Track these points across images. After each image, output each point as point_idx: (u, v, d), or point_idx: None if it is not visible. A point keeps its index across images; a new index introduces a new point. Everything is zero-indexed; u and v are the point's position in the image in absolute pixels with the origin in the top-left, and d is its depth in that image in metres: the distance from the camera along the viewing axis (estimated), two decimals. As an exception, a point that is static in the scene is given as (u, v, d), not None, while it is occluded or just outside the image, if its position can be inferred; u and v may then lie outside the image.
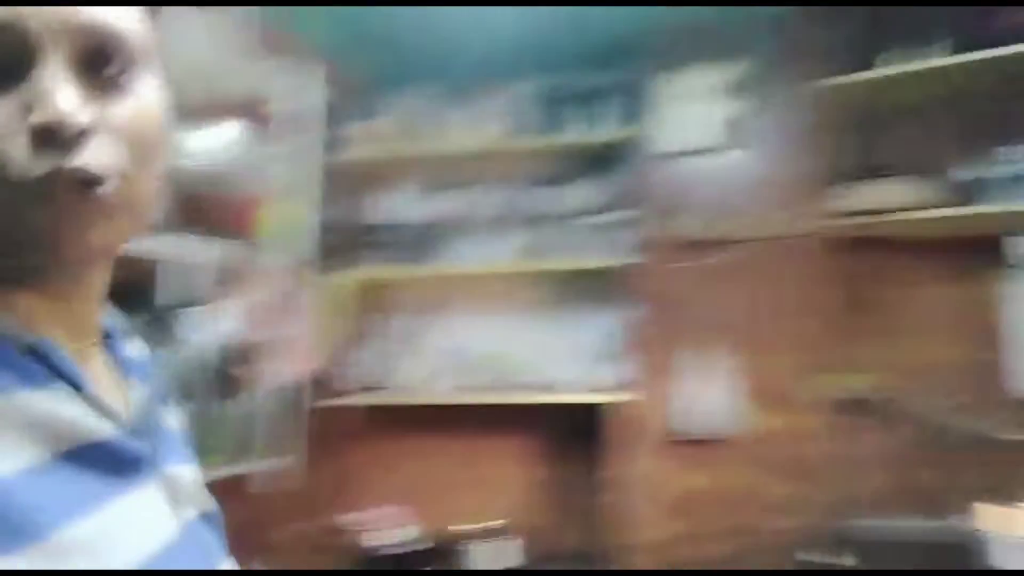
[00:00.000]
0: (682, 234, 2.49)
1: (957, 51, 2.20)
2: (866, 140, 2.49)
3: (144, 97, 0.52)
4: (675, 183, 2.55)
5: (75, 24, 0.48)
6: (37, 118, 0.45)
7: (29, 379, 0.48)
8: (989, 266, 2.28)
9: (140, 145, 0.51)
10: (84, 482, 0.48)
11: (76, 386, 0.51)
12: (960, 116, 2.38)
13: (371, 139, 2.81)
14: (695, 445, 2.43)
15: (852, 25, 2.44)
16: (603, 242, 2.68)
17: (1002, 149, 2.16)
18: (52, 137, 0.45)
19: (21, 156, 0.45)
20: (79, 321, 0.56)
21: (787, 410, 2.36)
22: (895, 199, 2.25)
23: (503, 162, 2.81)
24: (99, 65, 0.49)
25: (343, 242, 2.76)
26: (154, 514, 0.54)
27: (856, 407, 2.38)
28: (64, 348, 0.52)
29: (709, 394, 2.42)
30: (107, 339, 0.61)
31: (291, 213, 2.35)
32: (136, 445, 0.54)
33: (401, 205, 2.94)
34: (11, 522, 0.42)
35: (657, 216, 2.54)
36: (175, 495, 0.57)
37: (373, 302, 3.00)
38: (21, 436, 0.45)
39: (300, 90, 2.43)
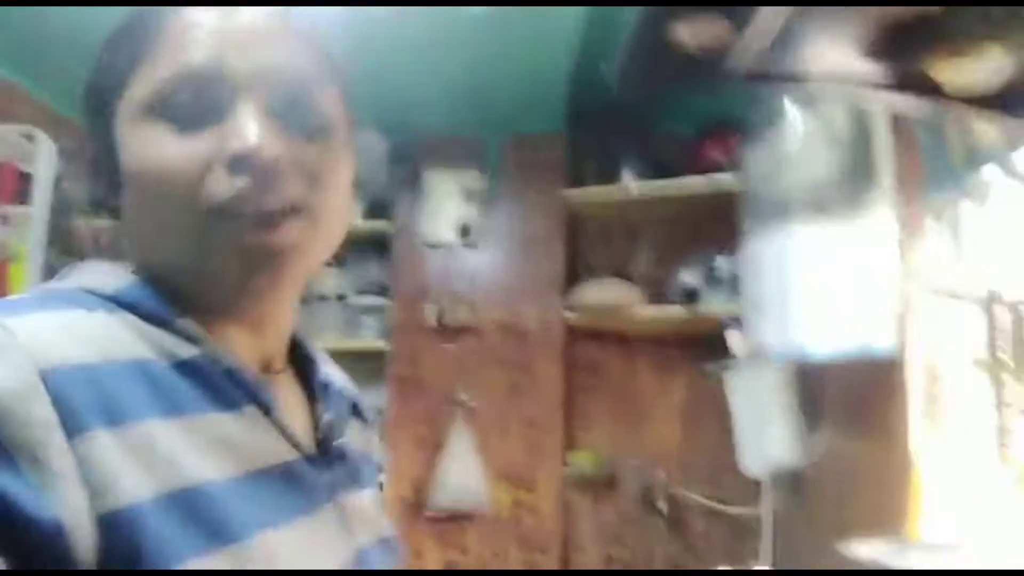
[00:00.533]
0: (432, 320, 2.59)
1: (673, 176, 2.53)
2: (598, 245, 2.76)
3: (329, 143, 0.56)
4: (429, 272, 2.66)
5: (268, 69, 0.53)
6: (233, 147, 0.50)
7: (225, 401, 0.52)
8: (713, 358, 2.57)
9: (324, 186, 0.54)
10: (273, 499, 0.51)
11: (266, 409, 0.54)
12: (683, 228, 2.70)
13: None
14: (449, 520, 2.55)
15: (583, 147, 2.70)
16: (367, 323, 2.74)
17: (719, 257, 2.44)
18: (246, 165, 0.50)
19: (218, 182, 0.50)
20: (271, 347, 0.60)
21: (527, 487, 2.55)
22: (628, 298, 2.47)
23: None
24: (291, 111, 0.53)
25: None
26: (325, 542, 0.55)
27: (593, 484, 2.61)
28: (256, 372, 0.56)
29: (459, 472, 2.54)
30: (307, 363, 0.65)
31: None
32: (313, 472, 0.56)
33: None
34: (214, 524, 0.46)
35: (412, 302, 2.63)
36: (350, 524, 0.59)
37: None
38: (216, 452, 0.49)
39: (32, 154, 2.27)
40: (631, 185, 2.54)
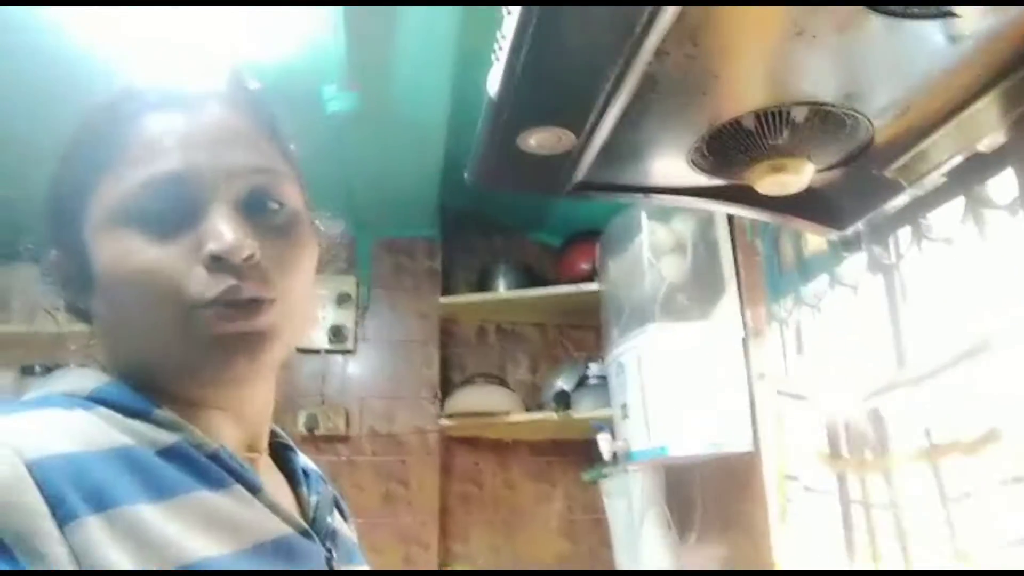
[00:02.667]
0: (303, 428, 2.51)
1: (543, 283, 2.63)
2: (472, 351, 2.79)
3: (296, 233, 0.58)
4: (300, 378, 2.59)
5: (237, 169, 0.55)
6: (211, 248, 0.52)
7: (212, 481, 0.52)
8: (589, 464, 2.59)
9: (293, 274, 0.57)
10: (277, 570, 0.53)
11: (253, 489, 0.55)
12: (555, 334, 2.80)
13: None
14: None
15: (456, 253, 2.78)
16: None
17: (591, 364, 2.50)
18: (223, 264, 0.52)
19: (199, 282, 0.52)
20: (252, 431, 0.61)
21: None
22: (504, 403, 2.48)
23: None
24: (259, 206, 0.56)
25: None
26: None
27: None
28: (241, 455, 0.57)
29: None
30: (283, 449, 0.67)
31: None
32: (310, 547, 0.58)
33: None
34: None
35: (282, 410, 2.54)
36: None
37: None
38: (212, 529, 0.49)
39: None
40: (503, 291, 2.60)
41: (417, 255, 2.76)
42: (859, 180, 1.07)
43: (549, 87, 0.84)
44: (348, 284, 2.66)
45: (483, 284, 2.69)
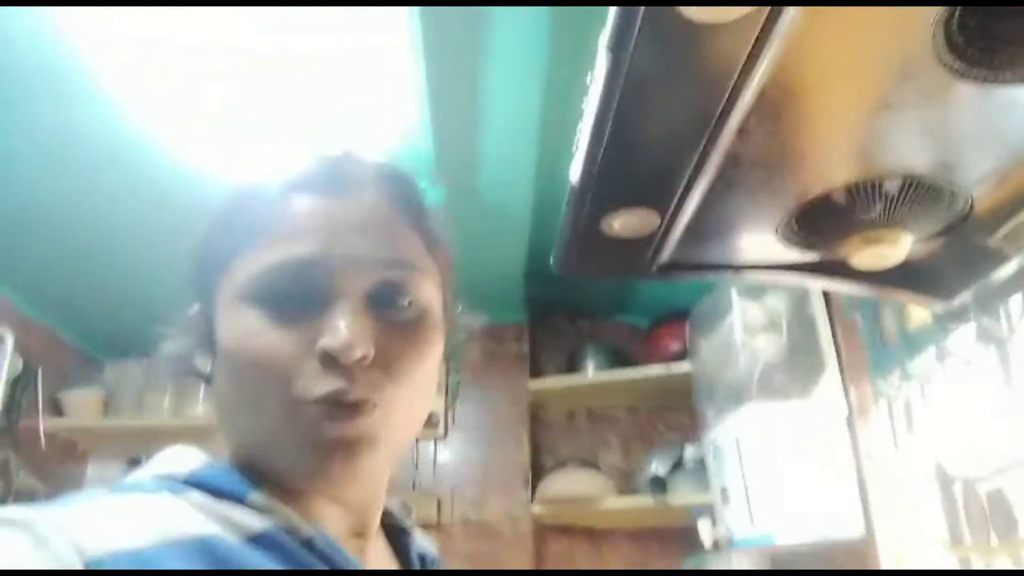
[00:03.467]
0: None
1: (632, 364, 2.59)
2: (563, 437, 2.75)
3: (422, 331, 0.56)
4: (395, 465, 2.59)
5: (371, 262, 0.54)
6: (325, 344, 0.50)
7: (304, 568, 0.49)
8: (687, 551, 2.49)
9: (410, 375, 0.54)
10: None
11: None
12: (647, 416, 2.74)
13: (76, 408, 2.59)
14: None
15: (544, 338, 2.78)
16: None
17: (687, 446, 2.43)
18: (334, 363, 0.50)
19: (309, 377, 0.50)
20: (360, 516, 0.58)
21: None
22: (597, 488, 2.42)
23: (204, 438, 2.69)
24: (388, 301, 0.54)
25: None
26: None
27: None
28: (346, 542, 0.54)
29: None
30: (399, 533, 0.65)
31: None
32: None
33: (104, 478, 2.69)
34: None
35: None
36: None
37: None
38: None
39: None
40: (592, 374, 2.58)
41: (505, 340, 2.77)
42: (961, 250, 1.03)
43: (630, 170, 0.85)
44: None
45: (571, 367, 2.67)
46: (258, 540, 0.48)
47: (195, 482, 0.51)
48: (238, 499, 0.51)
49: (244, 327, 0.53)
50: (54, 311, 2.54)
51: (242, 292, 0.53)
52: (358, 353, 0.50)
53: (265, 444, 0.53)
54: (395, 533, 0.65)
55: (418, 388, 0.56)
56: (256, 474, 0.53)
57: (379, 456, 0.53)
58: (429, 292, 0.58)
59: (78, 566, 0.40)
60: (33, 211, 1.94)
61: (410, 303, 0.55)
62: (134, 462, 2.69)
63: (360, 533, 0.59)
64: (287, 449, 0.51)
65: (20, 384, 2.34)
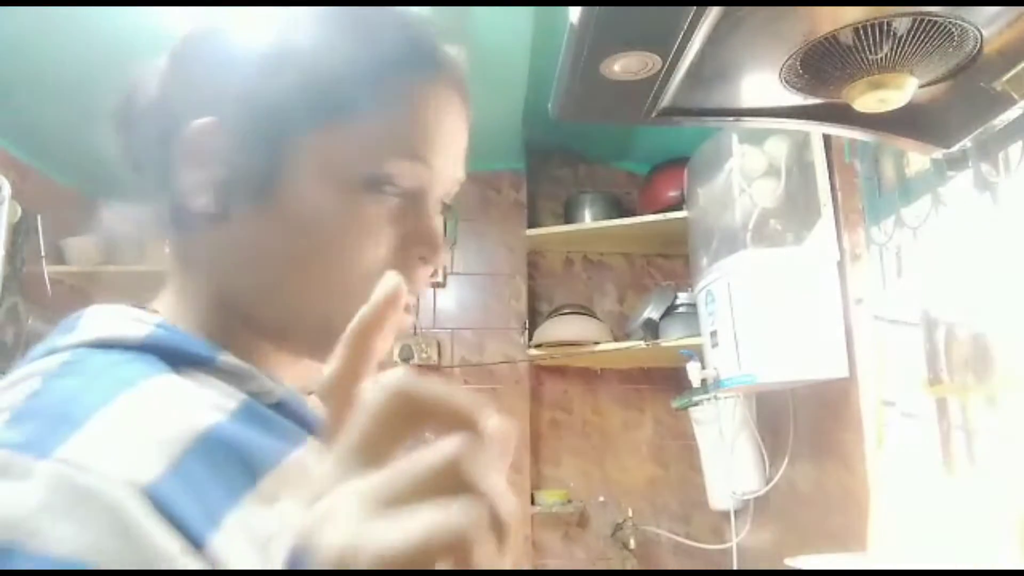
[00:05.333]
0: (398, 360, 2.60)
1: (630, 213, 2.61)
2: (559, 284, 2.80)
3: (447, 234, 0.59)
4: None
5: (455, 181, 0.57)
6: (424, 253, 0.54)
7: (283, 436, 0.47)
8: (678, 392, 2.60)
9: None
10: None
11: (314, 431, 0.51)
12: (643, 263, 2.79)
13: (77, 255, 2.62)
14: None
15: (542, 185, 2.78)
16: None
17: (680, 293, 2.48)
18: (423, 267, 0.54)
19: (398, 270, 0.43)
20: (307, 376, 0.57)
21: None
22: (592, 333, 2.50)
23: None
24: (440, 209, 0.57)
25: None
26: None
27: (562, 522, 2.60)
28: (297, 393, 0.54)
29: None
30: None
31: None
32: None
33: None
34: None
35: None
36: None
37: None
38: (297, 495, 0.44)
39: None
40: (589, 222, 2.59)
41: (503, 188, 2.77)
42: (966, 94, 1.01)
43: (632, 10, 0.82)
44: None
45: (569, 215, 2.68)
46: (238, 414, 0.45)
47: (154, 346, 0.46)
48: (206, 362, 0.47)
49: (354, 213, 0.51)
50: (51, 156, 2.51)
51: (351, 171, 0.50)
52: (443, 264, 0.56)
53: (297, 320, 0.52)
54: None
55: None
56: (227, 327, 0.51)
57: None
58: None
59: (142, 503, 0.36)
60: (25, 55, 1.87)
61: (449, 209, 0.59)
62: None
63: (308, 390, 0.57)
64: (327, 319, 0.48)
65: (20, 231, 2.35)
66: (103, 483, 0.36)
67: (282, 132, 0.51)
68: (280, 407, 0.49)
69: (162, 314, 0.50)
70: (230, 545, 0.38)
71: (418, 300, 0.62)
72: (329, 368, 0.34)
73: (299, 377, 0.56)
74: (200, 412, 0.43)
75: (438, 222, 0.55)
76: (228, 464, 0.42)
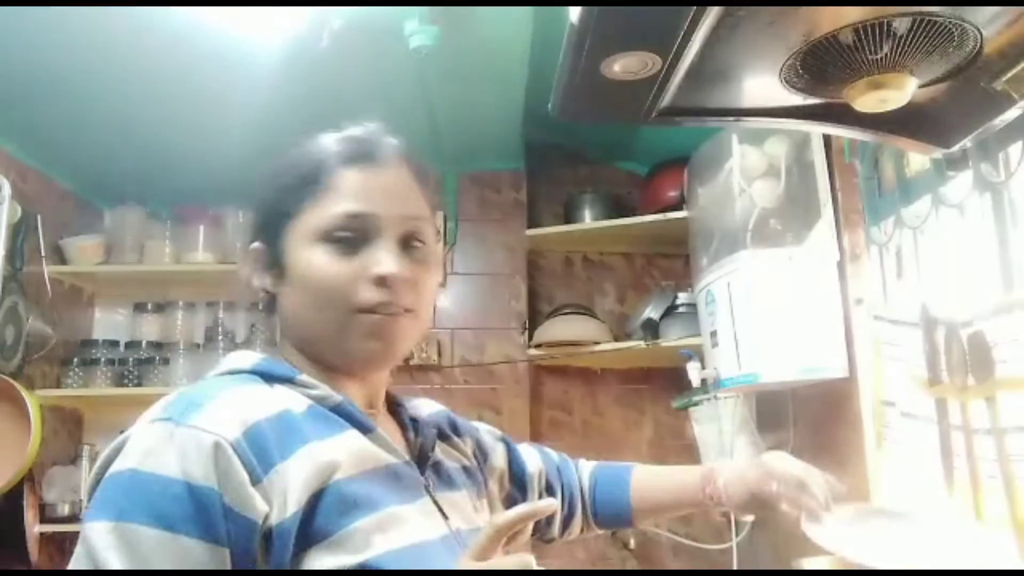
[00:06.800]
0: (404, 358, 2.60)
1: (630, 213, 2.61)
2: (559, 284, 2.81)
3: (430, 263, 0.83)
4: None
5: (403, 218, 0.80)
6: (378, 271, 0.77)
7: (337, 426, 0.76)
8: (678, 392, 2.60)
9: (427, 293, 0.82)
10: (385, 487, 0.74)
11: (366, 430, 0.78)
12: (643, 263, 2.79)
13: (77, 255, 2.62)
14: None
15: (542, 185, 2.78)
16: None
17: (680, 293, 2.48)
18: (385, 283, 0.77)
19: (365, 293, 0.77)
20: (372, 394, 0.86)
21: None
22: (592, 333, 2.50)
23: (212, 285, 2.73)
24: (409, 244, 0.80)
25: (47, 358, 2.52)
26: (423, 520, 0.76)
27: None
28: (360, 408, 0.81)
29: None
30: (397, 407, 0.91)
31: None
32: (411, 472, 0.80)
33: (111, 323, 2.78)
34: (352, 502, 0.69)
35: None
36: (446, 511, 0.81)
37: (76, 421, 2.76)
38: (348, 457, 0.72)
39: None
40: (589, 222, 2.59)
41: (503, 188, 2.77)
42: (966, 94, 1.01)
43: (632, 8, 0.82)
44: (436, 219, 2.70)
45: (569, 215, 2.69)
46: (309, 409, 0.75)
47: (258, 372, 0.78)
48: (289, 380, 0.77)
49: (316, 259, 0.78)
50: (51, 158, 2.51)
51: (313, 233, 0.78)
52: (404, 275, 0.77)
53: (325, 340, 0.79)
54: (394, 406, 0.91)
55: (431, 297, 0.84)
56: (307, 362, 0.81)
57: (408, 345, 0.82)
58: (432, 234, 0.84)
59: (228, 449, 0.65)
60: (29, 58, 1.87)
61: (423, 245, 0.82)
62: (140, 307, 2.76)
63: (372, 406, 0.85)
64: (344, 343, 0.78)
65: (20, 231, 2.35)
66: (207, 436, 0.65)
67: (282, 222, 0.81)
68: (337, 409, 0.77)
69: (275, 357, 0.81)
70: (273, 484, 0.66)
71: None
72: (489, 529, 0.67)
73: (364, 395, 0.84)
74: (274, 404, 0.73)
75: (389, 250, 0.78)
76: (289, 432, 0.70)
